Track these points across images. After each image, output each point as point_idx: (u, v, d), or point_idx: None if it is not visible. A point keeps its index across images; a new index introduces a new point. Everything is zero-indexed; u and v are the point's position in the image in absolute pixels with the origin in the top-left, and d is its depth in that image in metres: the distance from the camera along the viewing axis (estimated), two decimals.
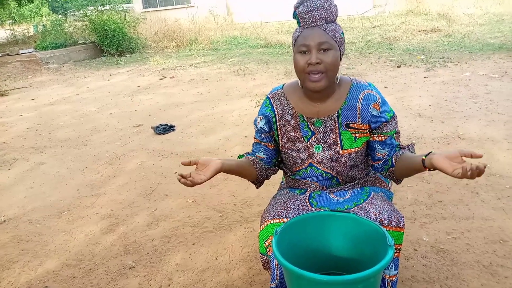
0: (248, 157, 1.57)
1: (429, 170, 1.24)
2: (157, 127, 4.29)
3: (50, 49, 10.23)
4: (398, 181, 1.49)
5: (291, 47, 1.43)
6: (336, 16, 1.34)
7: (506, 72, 5.27)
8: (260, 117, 1.53)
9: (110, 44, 10.25)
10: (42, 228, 2.59)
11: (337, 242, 1.30)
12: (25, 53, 10.23)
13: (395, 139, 1.46)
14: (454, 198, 2.47)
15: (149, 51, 10.92)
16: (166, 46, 11.10)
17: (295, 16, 1.36)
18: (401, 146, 1.48)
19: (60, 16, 17.11)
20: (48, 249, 2.34)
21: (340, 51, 1.35)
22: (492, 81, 4.94)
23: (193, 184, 1.28)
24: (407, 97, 4.65)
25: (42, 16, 24.08)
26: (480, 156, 1.10)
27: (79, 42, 11.19)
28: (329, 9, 1.31)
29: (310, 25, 1.32)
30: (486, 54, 6.51)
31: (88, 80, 7.70)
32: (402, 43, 8.18)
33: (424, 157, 1.25)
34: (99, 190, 3.05)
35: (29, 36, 14.49)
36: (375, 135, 1.45)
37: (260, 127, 1.53)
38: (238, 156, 1.61)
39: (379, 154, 1.47)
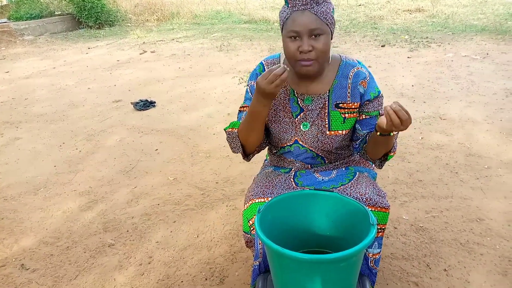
0: None
1: (380, 134, 1.25)
2: (137, 102, 4.19)
3: (25, 20, 9.77)
4: (378, 165, 1.43)
5: (278, 25, 1.36)
6: None
7: (487, 54, 5.32)
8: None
9: (88, 16, 9.87)
10: (18, 205, 2.51)
11: (321, 221, 1.29)
12: None
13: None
14: (434, 178, 2.50)
15: (129, 24, 10.57)
16: (147, 20, 10.76)
17: None
18: None
19: None
20: (24, 226, 2.28)
21: (331, 32, 1.28)
22: (474, 63, 4.98)
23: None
24: (390, 76, 4.65)
25: None
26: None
27: (56, 13, 10.71)
28: None
29: (300, 8, 1.23)
30: (468, 35, 6.55)
31: (65, 53, 7.42)
32: (386, 23, 8.15)
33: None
34: (77, 166, 2.98)
35: (2, 5, 13.81)
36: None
37: None
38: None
39: (357, 134, 1.44)
